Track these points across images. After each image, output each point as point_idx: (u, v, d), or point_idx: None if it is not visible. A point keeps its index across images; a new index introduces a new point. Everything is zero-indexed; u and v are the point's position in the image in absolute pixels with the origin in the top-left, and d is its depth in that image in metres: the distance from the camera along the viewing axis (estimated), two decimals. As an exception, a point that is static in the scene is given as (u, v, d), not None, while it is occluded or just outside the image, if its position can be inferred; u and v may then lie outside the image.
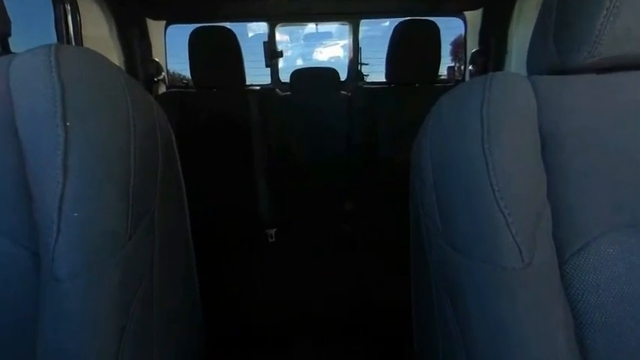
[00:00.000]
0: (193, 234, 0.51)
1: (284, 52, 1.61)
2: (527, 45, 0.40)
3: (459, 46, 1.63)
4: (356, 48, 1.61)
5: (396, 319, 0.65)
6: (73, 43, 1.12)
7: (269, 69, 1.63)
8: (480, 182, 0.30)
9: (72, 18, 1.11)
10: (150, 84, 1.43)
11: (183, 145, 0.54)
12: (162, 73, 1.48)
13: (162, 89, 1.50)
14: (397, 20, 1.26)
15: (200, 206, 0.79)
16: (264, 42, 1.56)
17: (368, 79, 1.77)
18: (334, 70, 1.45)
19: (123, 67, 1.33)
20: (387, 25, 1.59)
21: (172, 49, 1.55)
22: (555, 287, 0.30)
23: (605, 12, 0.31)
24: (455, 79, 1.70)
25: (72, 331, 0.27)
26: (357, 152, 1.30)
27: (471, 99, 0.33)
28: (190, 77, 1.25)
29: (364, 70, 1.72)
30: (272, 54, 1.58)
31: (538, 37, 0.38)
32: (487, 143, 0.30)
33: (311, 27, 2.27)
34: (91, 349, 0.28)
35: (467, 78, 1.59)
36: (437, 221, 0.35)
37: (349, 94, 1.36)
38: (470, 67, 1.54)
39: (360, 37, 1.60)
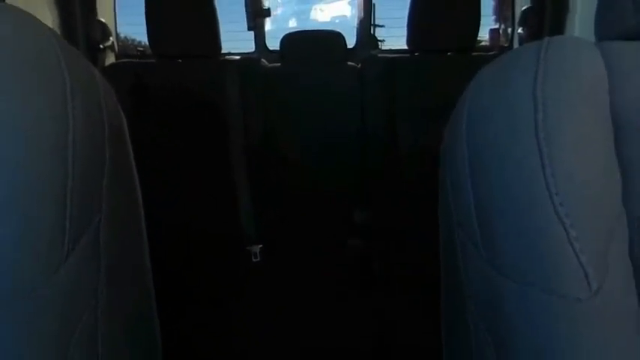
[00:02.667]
0: (152, 252, 0.44)
1: (272, 10, 1.40)
2: (594, 3, 0.37)
3: (504, 2, 1.47)
4: (368, 4, 1.43)
5: None
6: None
7: (252, 33, 1.44)
8: (534, 184, 0.26)
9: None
10: (94, 52, 1.23)
11: (139, 133, 0.47)
12: (111, 38, 1.26)
13: (111, 59, 1.30)
14: None
15: (161, 216, 0.74)
16: (245, -4, 1.34)
17: (384, 46, 1.59)
18: (339, 33, 1.27)
19: (58, 31, 1.15)
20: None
21: (129, 7, 1.34)
22: (633, 321, 0.27)
23: None
24: (500, 45, 1.55)
25: None
26: (371, 143, 1.16)
27: (521, 73, 0.29)
28: (147, 43, 1.07)
29: (379, 33, 1.56)
30: (256, 12, 1.35)
31: (608, 7, 0.35)
32: (543, 132, 0.26)
33: (308, -24, 2.03)
34: None
35: (515, 44, 1.44)
36: (475, 234, 0.31)
37: (359, 65, 1.19)
38: (519, 30, 1.36)
39: (374, -12, 1.39)
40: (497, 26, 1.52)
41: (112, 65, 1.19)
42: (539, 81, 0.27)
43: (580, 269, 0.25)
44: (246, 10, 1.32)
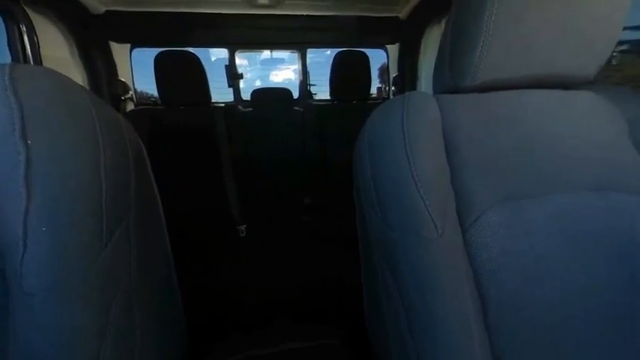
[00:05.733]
0: (172, 237, 0.46)
1: (244, 74, 1.56)
2: (432, 71, 0.43)
3: (384, 71, 1.71)
4: (304, 71, 1.61)
5: (351, 294, 0.63)
6: (32, 63, 0.95)
7: (232, 89, 1.57)
8: (405, 176, 0.32)
9: (28, 38, 0.95)
10: (117, 102, 1.29)
11: (157, 156, 0.49)
12: (130, 92, 1.34)
13: (131, 107, 1.36)
14: (336, 50, 1.31)
15: (177, 212, 0.75)
16: (225, 65, 1.51)
17: (316, 97, 1.76)
18: (288, 89, 1.43)
19: (87, 87, 1.20)
20: (329, 53, 1.63)
21: (143, 69, 1.38)
22: (460, 249, 0.33)
23: (480, 49, 0.35)
24: (382, 96, 1.78)
25: (48, 339, 0.24)
26: (311, 157, 1.30)
27: (395, 113, 0.35)
28: (158, 96, 1.13)
29: (312, 89, 1.73)
30: (233, 76, 1.52)
31: (438, 65, 0.41)
32: (408, 147, 0.32)
33: (267, 53, 2.23)
34: (69, 354, 0.25)
35: (391, 96, 1.68)
36: (376, 208, 0.36)
37: (302, 109, 1.36)
38: (393, 88, 1.63)
39: (307, 62, 1.61)
40: (380, 85, 1.76)
41: (132, 111, 1.24)
42: (405, 118, 0.33)
43: (432, 222, 0.31)
44: (227, 75, 1.48)
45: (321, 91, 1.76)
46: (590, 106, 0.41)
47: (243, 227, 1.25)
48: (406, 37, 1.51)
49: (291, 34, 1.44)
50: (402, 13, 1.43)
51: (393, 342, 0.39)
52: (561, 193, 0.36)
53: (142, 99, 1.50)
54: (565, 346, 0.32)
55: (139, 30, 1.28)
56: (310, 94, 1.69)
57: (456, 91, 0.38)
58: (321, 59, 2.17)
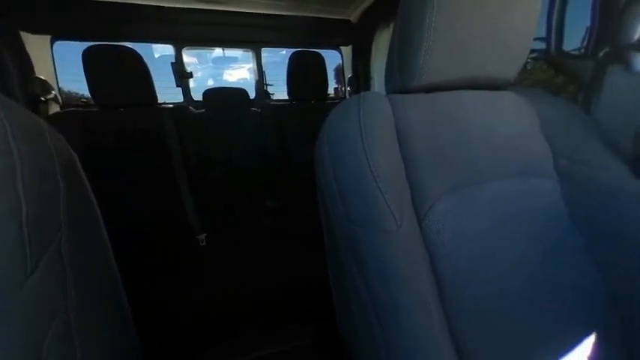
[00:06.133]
0: (120, 254, 0.43)
1: (194, 73, 1.43)
2: (383, 73, 0.45)
3: (339, 72, 1.73)
4: (260, 71, 1.56)
5: (321, 293, 0.62)
6: None
7: (180, 89, 1.43)
8: (364, 171, 0.33)
9: None
10: (35, 104, 1.08)
11: (95, 164, 0.45)
12: (53, 92, 1.13)
13: (56, 109, 1.15)
14: (291, 50, 1.28)
15: (127, 223, 0.72)
16: (171, 63, 1.37)
17: (274, 97, 1.71)
18: (244, 89, 1.36)
19: None
20: (284, 53, 1.57)
21: (72, 66, 1.15)
22: (417, 238, 0.35)
23: (423, 53, 0.38)
24: (339, 96, 1.80)
25: None
26: (272, 157, 1.27)
27: (351, 112, 0.36)
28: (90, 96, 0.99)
29: (269, 89, 1.67)
30: (181, 74, 1.39)
31: (389, 67, 0.43)
32: (366, 144, 0.33)
33: (219, 51, 2.09)
34: None
35: (347, 96, 1.70)
36: (339, 204, 0.36)
37: (259, 110, 1.32)
38: (348, 88, 1.66)
39: (263, 62, 1.56)
40: (337, 86, 1.79)
41: (57, 114, 1.06)
42: (361, 117, 0.35)
43: (391, 214, 0.32)
44: (174, 73, 1.35)
45: (279, 91, 1.69)
46: (512, 105, 0.47)
47: (202, 236, 1.17)
48: (357, 39, 1.54)
49: (245, 32, 1.38)
50: (353, 16, 1.46)
51: (363, 337, 0.39)
52: (495, 180, 0.40)
53: (71, 100, 1.30)
54: (503, 313, 0.36)
55: (62, 20, 1.10)
56: (268, 94, 1.64)
57: (405, 91, 0.40)
58: (277, 59, 2.13)
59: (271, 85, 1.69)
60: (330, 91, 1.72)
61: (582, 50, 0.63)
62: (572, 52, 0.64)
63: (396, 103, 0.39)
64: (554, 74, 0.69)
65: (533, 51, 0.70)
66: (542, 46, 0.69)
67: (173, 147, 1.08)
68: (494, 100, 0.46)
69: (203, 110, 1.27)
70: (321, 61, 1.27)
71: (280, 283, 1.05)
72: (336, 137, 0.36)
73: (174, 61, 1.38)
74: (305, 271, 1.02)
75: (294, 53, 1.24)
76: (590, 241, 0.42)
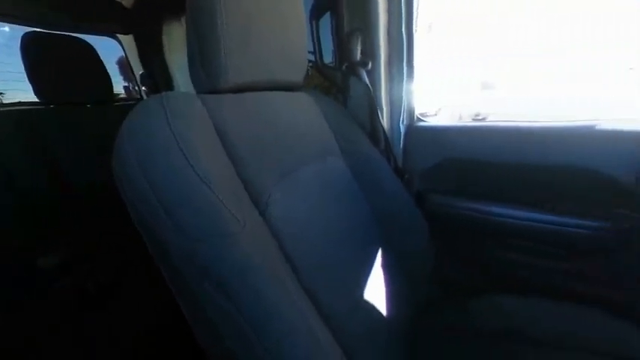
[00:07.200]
0: None
1: None
2: (187, 70, 0.41)
3: (124, 67, 1.36)
4: None
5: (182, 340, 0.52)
6: None
7: None
8: (192, 180, 0.30)
9: None
10: None
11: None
12: None
13: None
14: (26, 29, 0.86)
15: None
16: None
17: (5, 99, 1.06)
18: None
19: None
20: (7, 30, 0.98)
21: None
22: (265, 231, 0.35)
23: (223, 54, 0.37)
24: (134, 97, 1.43)
25: None
26: (36, 190, 0.83)
27: (155, 115, 0.32)
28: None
29: None
30: None
31: (192, 66, 0.40)
32: (185, 149, 0.30)
33: None
34: None
35: (144, 96, 1.41)
36: (166, 221, 0.31)
37: None
38: (144, 88, 1.37)
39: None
40: (127, 84, 1.40)
41: None
42: (170, 121, 0.31)
43: (232, 216, 0.30)
44: None
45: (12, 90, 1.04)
46: (305, 102, 0.58)
47: None
48: (138, 28, 1.28)
49: None
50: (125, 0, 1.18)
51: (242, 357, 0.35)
52: (309, 163, 0.48)
53: None
54: (341, 265, 0.45)
55: None
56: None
57: (216, 91, 0.40)
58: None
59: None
60: (120, 90, 1.37)
61: (334, 64, 0.85)
62: (330, 65, 0.86)
63: (210, 102, 0.37)
64: (323, 80, 0.89)
65: (309, 61, 0.86)
66: (313, 58, 0.87)
67: None
68: (292, 99, 0.54)
69: None
70: (88, 50, 0.96)
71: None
72: (143, 144, 0.31)
73: None
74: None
75: (36, 36, 0.86)
76: (368, 195, 0.59)
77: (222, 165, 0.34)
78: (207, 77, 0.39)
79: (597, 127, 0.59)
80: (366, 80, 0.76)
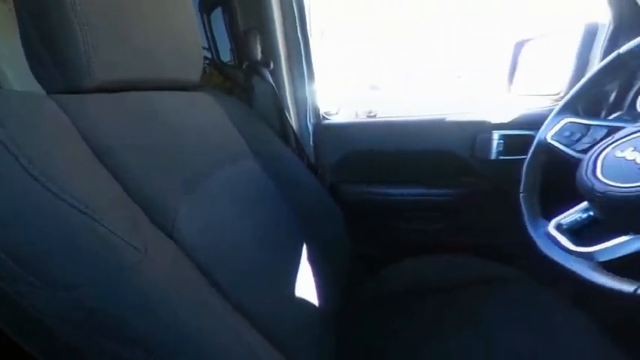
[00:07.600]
0: None
1: None
2: (20, 64, 0.33)
3: None
4: None
5: None
6: None
7: None
8: (57, 209, 0.22)
9: None
10: None
11: None
12: None
13: None
14: None
15: None
16: None
17: None
18: None
19: None
20: None
21: None
22: (175, 253, 0.31)
23: (82, 47, 0.31)
24: None
25: None
26: None
27: None
28: None
29: None
30: None
31: (34, 60, 0.32)
32: (31, 166, 0.22)
33: None
34: None
35: None
36: (28, 277, 0.22)
37: None
38: None
39: None
40: None
41: None
42: (7, 129, 0.22)
43: (125, 244, 0.25)
44: None
45: None
46: (204, 103, 0.53)
47: None
48: None
49: None
50: None
51: None
52: (217, 170, 0.44)
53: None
54: (265, 278, 0.43)
55: None
56: None
57: (78, 91, 0.32)
58: None
59: None
60: None
61: (233, 62, 0.81)
62: (230, 64, 0.81)
63: (69, 104, 0.29)
64: (224, 80, 0.83)
65: (206, 59, 0.79)
66: (208, 55, 0.80)
67: None
68: (188, 100, 0.48)
69: None
70: None
71: None
72: None
73: None
74: None
75: None
76: (286, 194, 0.59)
77: (102, 183, 0.28)
78: (64, 75, 0.31)
79: (447, 120, 0.82)
80: (270, 80, 0.76)
